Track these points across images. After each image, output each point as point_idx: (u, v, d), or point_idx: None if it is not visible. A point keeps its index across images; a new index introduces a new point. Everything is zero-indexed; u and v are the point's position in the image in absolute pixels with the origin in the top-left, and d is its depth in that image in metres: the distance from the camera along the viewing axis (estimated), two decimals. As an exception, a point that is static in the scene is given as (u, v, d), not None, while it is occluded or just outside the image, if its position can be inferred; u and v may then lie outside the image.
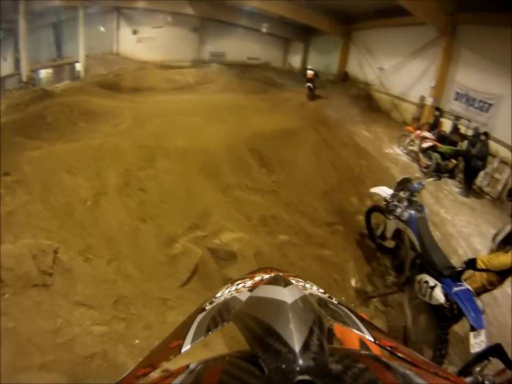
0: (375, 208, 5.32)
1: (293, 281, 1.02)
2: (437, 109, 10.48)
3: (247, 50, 25.11)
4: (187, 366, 0.77)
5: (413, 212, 4.45)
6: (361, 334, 0.91)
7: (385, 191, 5.03)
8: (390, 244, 4.95)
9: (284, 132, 7.06)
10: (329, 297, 1.16)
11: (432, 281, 3.80)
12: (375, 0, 13.92)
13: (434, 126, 9.83)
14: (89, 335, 3.46)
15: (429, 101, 11.50)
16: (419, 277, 4.00)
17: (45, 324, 3.45)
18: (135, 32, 29.15)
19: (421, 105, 12.16)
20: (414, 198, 4.63)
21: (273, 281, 0.94)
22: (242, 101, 12.00)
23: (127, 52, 29.34)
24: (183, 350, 0.89)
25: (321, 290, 1.20)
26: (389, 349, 0.87)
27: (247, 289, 1.15)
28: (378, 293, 4.65)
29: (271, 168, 5.83)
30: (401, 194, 4.71)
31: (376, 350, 0.95)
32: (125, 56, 29.04)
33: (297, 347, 0.62)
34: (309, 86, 13.98)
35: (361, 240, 5.34)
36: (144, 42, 28.92)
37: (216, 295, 1.23)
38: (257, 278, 1.28)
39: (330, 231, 5.23)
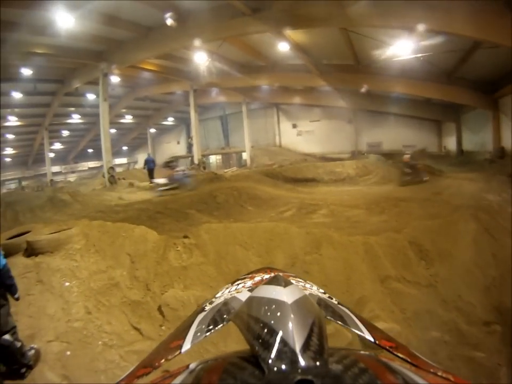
0: None
1: (293, 282, 1.07)
2: None
3: (402, 137, 24.77)
4: (187, 366, 0.80)
5: None
6: (362, 334, 0.93)
7: None
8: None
9: (443, 223, 6.98)
10: (329, 297, 1.18)
11: None
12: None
13: None
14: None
15: None
16: None
17: (188, 359, 3.81)
18: (294, 126, 31.76)
19: None
20: None
21: (273, 282, 0.98)
22: (401, 192, 12.22)
23: (288, 144, 32.22)
24: (183, 350, 0.91)
25: (321, 290, 1.24)
26: (389, 349, 0.89)
27: (247, 289, 1.16)
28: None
29: (429, 261, 5.80)
30: None
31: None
32: (287, 148, 32.06)
33: (297, 347, 0.65)
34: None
35: (520, 341, 4.88)
36: (303, 135, 31.23)
37: (216, 295, 1.25)
38: (257, 278, 1.29)
39: (486, 331, 4.93)
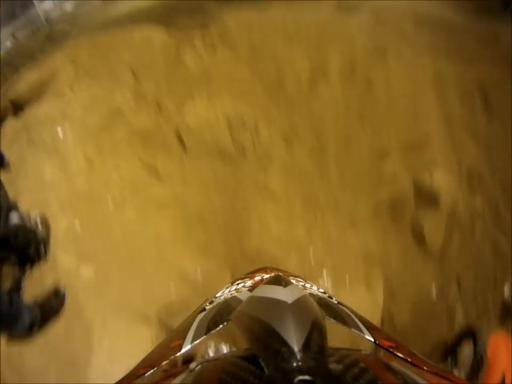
0: None
1: (293, 281, 1.05)
2: None
3: None
4: (187, 366, 0.78)
5: None
6: (361, 334, 0.89)
7: None
8: None
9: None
10: (329, 297, 1.14)
11: None
12: None
13: None
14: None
15: None
16: None
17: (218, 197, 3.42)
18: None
19: None
20: None
21: (273, 281, 0.95)
22: None
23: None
24: (183, 350, 0.88)
25: (321, 290, 1.20)
26: (389, 349, 0.85)
27: (247, 289, 1.14)
28: None
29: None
30: None
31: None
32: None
33: (297, 347, 0.62)
34: None
35: None
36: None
37: (216, 295, 1.23)
38: (257, 278, 1.27)
39: None
